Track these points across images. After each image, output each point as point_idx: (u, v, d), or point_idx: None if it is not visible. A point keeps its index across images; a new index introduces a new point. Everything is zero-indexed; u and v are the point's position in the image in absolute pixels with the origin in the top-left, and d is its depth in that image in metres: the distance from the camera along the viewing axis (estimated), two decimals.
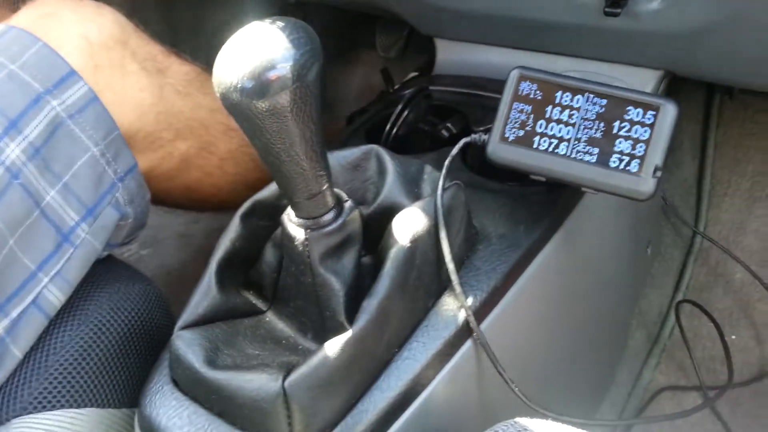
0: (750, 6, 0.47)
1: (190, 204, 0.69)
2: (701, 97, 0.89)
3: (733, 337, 0.86)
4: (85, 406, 0.53)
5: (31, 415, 0.51)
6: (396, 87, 0.73)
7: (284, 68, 0.32)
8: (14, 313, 0.50)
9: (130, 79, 0.56)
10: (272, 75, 0.32)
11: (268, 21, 0.34)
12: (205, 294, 0.48)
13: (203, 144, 0.64)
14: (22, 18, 0.55)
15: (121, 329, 0.56)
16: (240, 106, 0.33)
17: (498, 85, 0.48)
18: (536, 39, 0.59)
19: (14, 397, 0.51)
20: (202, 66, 0.63)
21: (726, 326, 0.86)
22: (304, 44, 0.33)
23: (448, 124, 0.60)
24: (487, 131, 0.49)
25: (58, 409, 0.52)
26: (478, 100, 0.61)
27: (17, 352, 0.51)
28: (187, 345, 0.48)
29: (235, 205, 0.50)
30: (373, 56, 0.95)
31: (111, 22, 0.57)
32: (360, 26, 0.94)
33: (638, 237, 0.82)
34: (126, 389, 0.55)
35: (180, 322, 0.49)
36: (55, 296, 0.52)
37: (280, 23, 0.33)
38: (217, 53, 0.34)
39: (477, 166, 0.56)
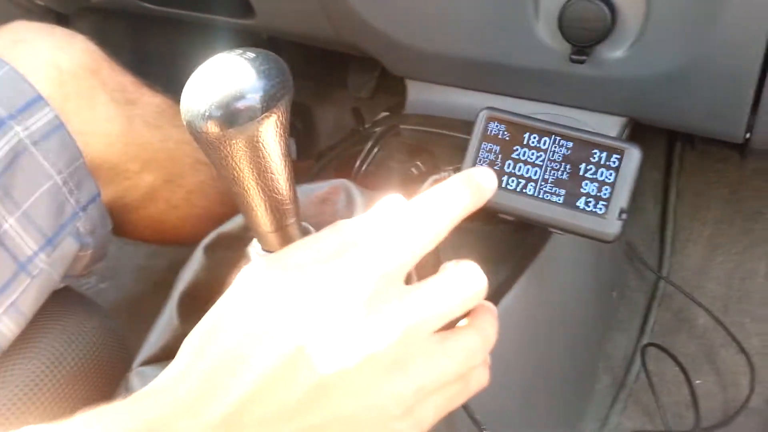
0: (709, 54, 0.49)
1: (154, 236, 0.68)
2: (663, 145, 0.92)
3: (698, 382, 0.87)
4: None
5: None
6: (367, 126, 0.73)
7: (254, 98, 0.32)
8: None
9: (98, 109, 0.56)
10: (241, 104, 0.32)
11: (238, 51, 0.34)
12: (165, 327, 0.47)
13: (170, 176, 0.63)
14: None
15: (75, 364, 0.54)
16: (207, 135, 0.33)
17: (467, 126, 0.49)
18: (504, 83, 0.60)
19: None
20: (173, 98, 0.63)
21: (690, 371, 0.86)
22: (275, 75, 0.33)
23: (417, 162, 0.61)
24: (456, 170, 0.49)
25: None
26: (447, 139, 0.61)
27: None
28: (145, 382, 0.46)
29: (199, 238, 0.49)
30: (344, 95, 0.96)
31: (82, 51, 0.56)
32: (332, 65, 0.95)
33: (603, 280, 0.83)
34: None
35: (139, 358, 0.47)
36: (9, 328, 0.50)
37: (251, 54, 0.33)
38: None
39: None
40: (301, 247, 0.37)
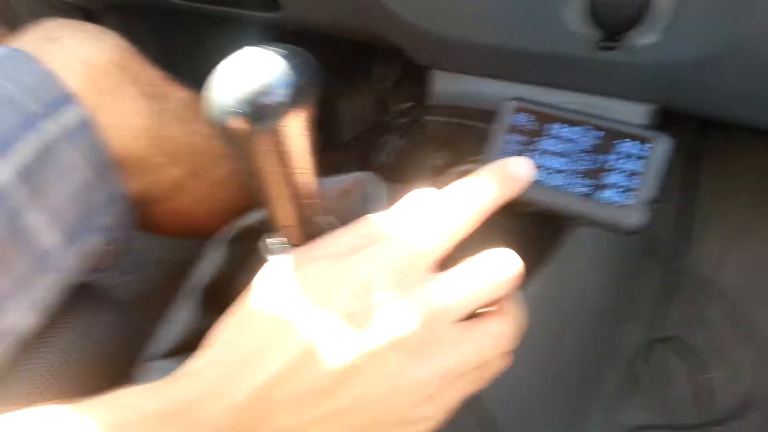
0: (748, 37, 0.48)
1: (177, 230, 0.68)
2: (689, 132, 0.90)
3: (712, 374, 0.85)
4: None
5: None
6: (391, 116, 0.73)
7: (281, 94, 0.32)
8: None
9: (128, 104, 0.57)
10: (269, 100, 0.32)
11: (265, 46, 0.33)
12: (182, 321, 0.48)
13: (195, 170, 0.64)
14: (24, 41, 0.55)
15: (91, 356, 0.55)
16: (232, 131, 0.33)
17: (492, 116, 0.48)
18: (531, 71, 0.59)
19: None
20: (199, 92, 0.64)
21: (704, 364, 0.85)
22: (303, 71, 0.33)
23: (442, 154, 0.60)
24: (480, 161, 0.49)
25: None
26: (472, 131, 0.61)
27: None
28: (159, 375, 0.47)
29: (219, 231, 0.49)
30: (368, 86, 0.95)
31: (112, 46, 0.57)
32: (357, 56, 0.95)
33: (621, 272, 0.82)
34: None
35: (155, 351, 0.48)
36: (34, 321, 0.51)
37: (278, 48, 0.33)
38: None
39: None
40: (328, 240, 0.38)
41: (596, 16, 0.48)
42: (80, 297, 0.57)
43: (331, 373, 0.33)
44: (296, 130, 0.33)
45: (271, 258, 0.39)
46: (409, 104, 0.72)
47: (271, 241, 0.40)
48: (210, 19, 0.85)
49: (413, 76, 0.71)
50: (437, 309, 0.34)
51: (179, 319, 0.46)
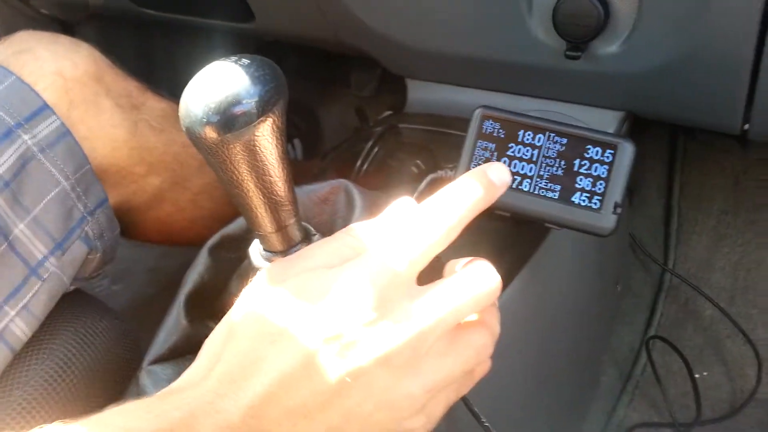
0: (702, 45, 0.50)
1: (162, 238, 0.69)
2: (666, 137, 0.92)
3: (705, 373, 0.87)
4: None
5: None
6: (370, 125, 0.74)
7: (249, 104, 0.33)
8: None
9: (104, 115, 0.57)
10: (237, 110, 0.33)
11: (233, 58, 0.35)
12: (173, 327, 0.48)
13: (177, 179, 0.64)
14: None
15: (87, 364, 0.55)
16: (206, 140, 0.34)
17: (466, 123, 0.49)
18: (501, 80, 0.61)
19: None
20: (177, 102, 0.64)
21: (697, 363, 0.87)
22: (269, 81, 0.34)
23: (417, 161, 0.62)
24: (454, 168, 0.50)
25: None
26: (446, 137, 0.62)
27: None
28: (155, 380, 0.47)
29: (207, 239, 0.50)
30: (348, 95, 0.97)
31: (86, 57, 0.58)
32: (335, 65, 0.96)
33: (606, 273, 0.83)
34: None
35: (148, 357, 0.48)
36: (21, 330, 0.51)
37: (246, 60, 0.34)
38: None
39: None
40: (313, 251, 0.38)
41: (559, 26, 0.50)
42: (77, 305, 0.58)
43: (321, 391, 0.33)
44: (267, 139, 0.35)
45: (258, 267, 0.40)
46: (388, 112, 0.73)
47: (253, 249, 0.41)
48: (188, 29, 0.86)
49: (393, 84, 0.72)
50: (422, 328, 0.35)
51: (169, 326, 0.47)
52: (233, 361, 0.34)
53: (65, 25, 0.97)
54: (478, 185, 0.39)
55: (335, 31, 0.66)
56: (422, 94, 0.67)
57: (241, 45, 0.91)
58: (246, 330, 0.35)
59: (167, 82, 0.67)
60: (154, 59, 1.04)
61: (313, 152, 1.02)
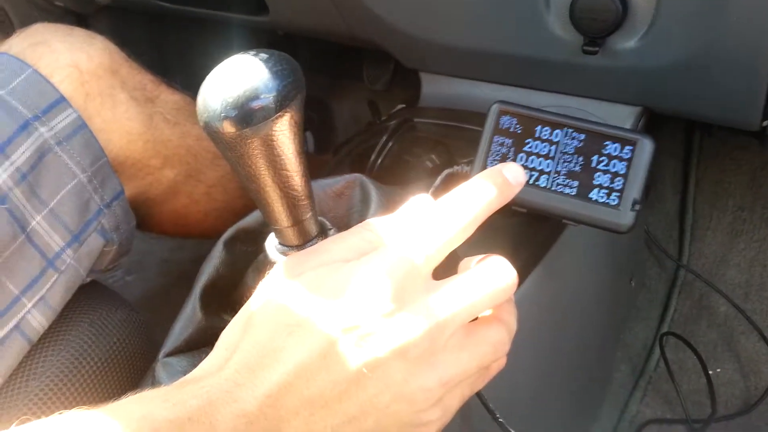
0: (720, 41, 0.49)
1: (177, 230, 0.69)
2: (682, 133, 0.91)
3: (719, 370, 0.87)
4: None
5: None
6: (383, 118, 0.74)
7: (267, 98, 0.33)
8: None
9: (119, 108, 0.57)
10: (255, 105, 0.33)
11: (252, 53, 0.35)
12: (189, 320, 0.48)
13: (191, 172, 0.65)
14: (13, 45, 0.56)
15: (103, 355, 0.56)
16: (224, 135, 0.34)
17: (481, 118, 0.49)
18: (517, 75, 0.60)
19: None
20: (191, 95, 0.65)
21: (711, 359, 0.86)
22: (287, 75, 0.34)
23: (432, 156, 0.61)
24: (470, 163, 0.50)
25: None
26: (461, 132, 0.62)
27: None
28: (171, 372, 0.48)
29: (221, 231, 0.50)
30: (360, 88, 0.96)
31: (101, 50, 0.58)
32: (348, 59, 0.96)
33: (621, 269, 0.83)
34: None
35: (164, 349, 0.49)
36: (38, 321, 0.52)
37: (264, 55, 0.34)
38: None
39: None
40: (330, 244, 0.38)
41: (577, 21, 0.50)
42: (93, 296, 0.58)
43: (338, 381, 0.34)
44: (285, 134, 0.35)
45: (274, 261, 0.40)
46: (401, 106, 0.73)
47: (269, 242, 0.41)
48: (202, 22, 0.86)
49: (406, 78, 0.72)
50: (441, 318, 0.35)
51: (184, 318, 0.47)
52: (251, 351, 0.34)
53: (79, 17, 0.97)
54: (493, 184, 0.39)
55: (349, 24, 0.66)
56: (436, 87, 0.67)
57: (254, 38, 0.91)
58: (264, 320, 0.35)
59: (180, 75, 0.67)
60: (167, 52, 1.05)
61: (325, 145, 1.02)
